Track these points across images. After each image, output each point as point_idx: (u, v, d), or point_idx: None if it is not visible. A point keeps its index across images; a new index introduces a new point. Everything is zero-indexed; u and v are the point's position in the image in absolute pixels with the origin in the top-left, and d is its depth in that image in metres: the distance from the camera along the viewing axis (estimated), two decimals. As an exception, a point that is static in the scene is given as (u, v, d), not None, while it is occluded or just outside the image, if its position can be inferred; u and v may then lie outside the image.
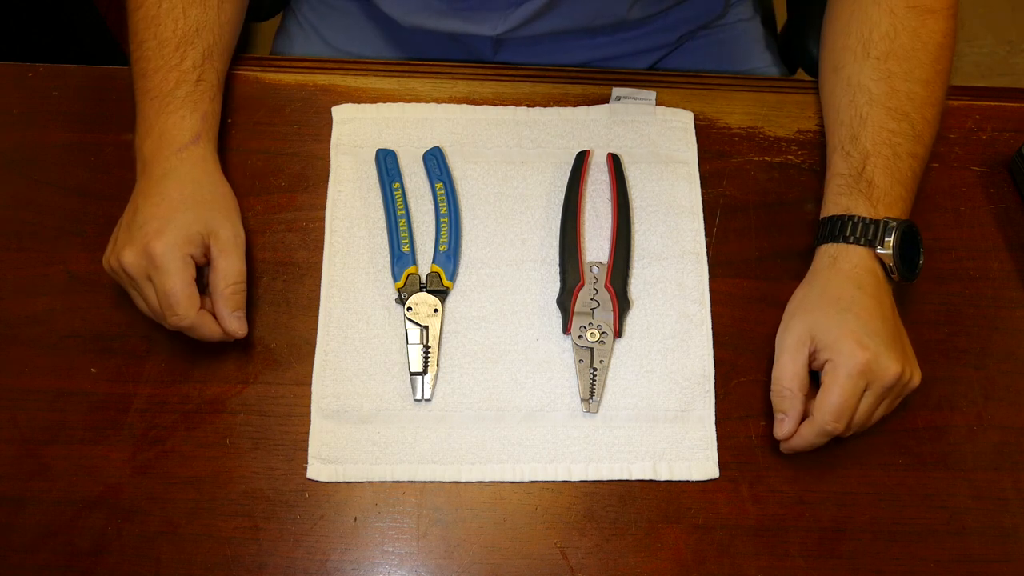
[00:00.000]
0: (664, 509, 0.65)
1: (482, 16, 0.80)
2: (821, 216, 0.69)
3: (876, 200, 0.67)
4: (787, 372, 0.64)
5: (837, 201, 0.68)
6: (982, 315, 0.72)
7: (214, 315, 0.64)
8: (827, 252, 0.67)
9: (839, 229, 0.67)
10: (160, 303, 0.62)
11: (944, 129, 0.71)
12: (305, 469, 0.65)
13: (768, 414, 0.67)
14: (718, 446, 0.66)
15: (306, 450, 0.65)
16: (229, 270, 0.64)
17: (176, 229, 0.63)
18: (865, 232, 0.66)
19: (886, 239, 0.65)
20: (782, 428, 0.64)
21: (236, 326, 0.64)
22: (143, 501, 0.63)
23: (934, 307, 0.72)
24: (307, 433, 0.66)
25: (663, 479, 0.65)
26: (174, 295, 0.61)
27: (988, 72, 1.80)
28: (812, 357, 0.64)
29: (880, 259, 0.66)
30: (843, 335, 0.62)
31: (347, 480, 0.64)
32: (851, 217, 0.66)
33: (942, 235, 0.74)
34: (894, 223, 0.65)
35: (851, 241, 0.66)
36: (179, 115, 0.67)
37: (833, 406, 0.61)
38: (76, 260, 0.70)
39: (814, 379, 0.65)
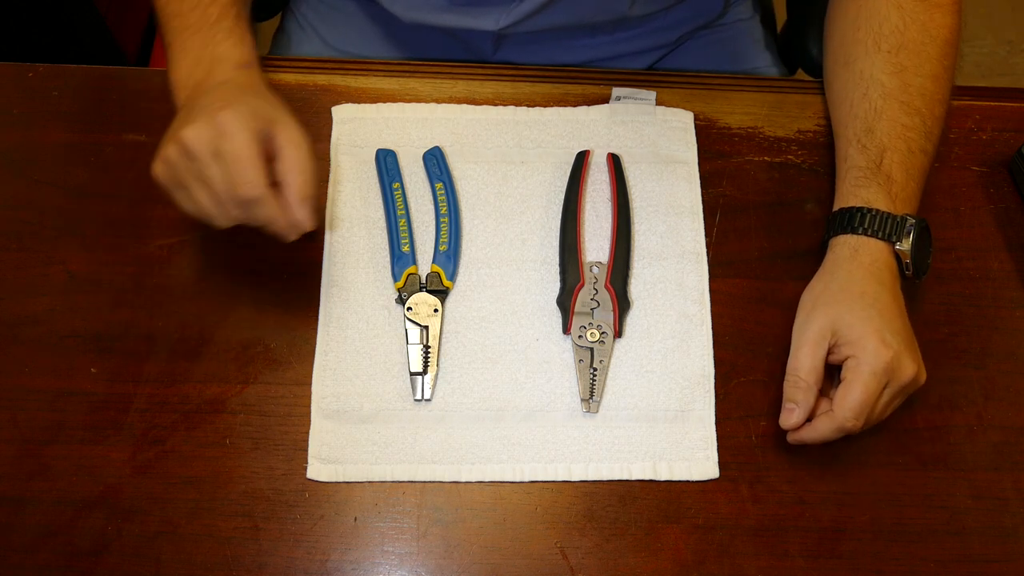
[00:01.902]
0: (664, 509, 0.65)
1: (484, 11, 0.80)
2: (836, 207, 0.69)
3: (895, 195, 0.67)
4: (805, 364, 0.63)
5: (856, 192, 0.68)
6: (982, 315, 0.72)
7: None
8: (846, 243, 0.67)
9: (858, 221, 0.66)
10: (227, 177, 0.57)
11: (944, 129, 0.72)
12: (305, 469, 0.65)
13: (769, 414, 0.67)
14: (718, 446, 0.66)
15: (306, 450, 0.65)
16: (300, 157, 0.59)
17: (244, 104, 0.59)
18: (883, 226, 0.65)
19: (905, 234, 0.65)
20: (791, 418, 0.63)
21: (304, 214, 0.58)
22: (143, 501, 0.63)
23: (934, 307, 0.72)
24: (307, 433, 0.66)
25: (663, 479, 0.65)
26: (243, 160, 0.56)
27: (988, 72, 1.80)
28: (831, 351, 0.64)
29: (897, 254, 0.66)
30: (868, 332, 0.62)
31: (347, 480, 0.64)
32: (870, 210, 0.66)
33: (942, 235, 0.74)
34: (913, 219, 0.66)
35: (869, 234, 0.66)
36: (229, 43, 0.66)
37: (856, 403, 0.61)
38: (76, 260, 0.70)
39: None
